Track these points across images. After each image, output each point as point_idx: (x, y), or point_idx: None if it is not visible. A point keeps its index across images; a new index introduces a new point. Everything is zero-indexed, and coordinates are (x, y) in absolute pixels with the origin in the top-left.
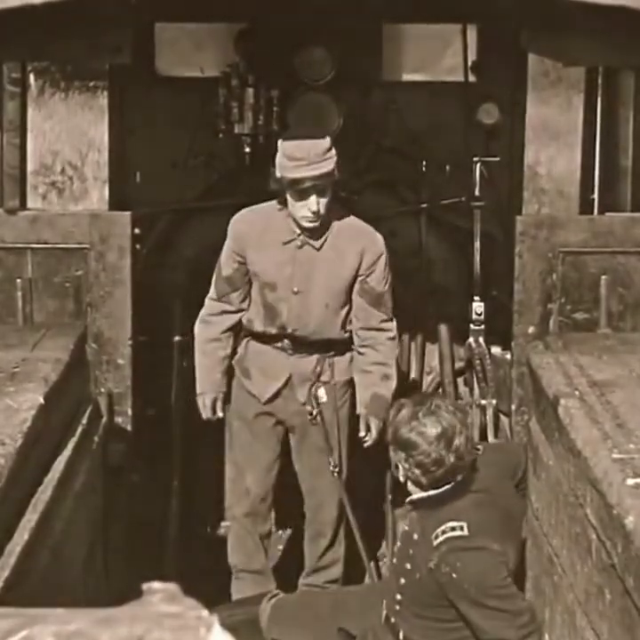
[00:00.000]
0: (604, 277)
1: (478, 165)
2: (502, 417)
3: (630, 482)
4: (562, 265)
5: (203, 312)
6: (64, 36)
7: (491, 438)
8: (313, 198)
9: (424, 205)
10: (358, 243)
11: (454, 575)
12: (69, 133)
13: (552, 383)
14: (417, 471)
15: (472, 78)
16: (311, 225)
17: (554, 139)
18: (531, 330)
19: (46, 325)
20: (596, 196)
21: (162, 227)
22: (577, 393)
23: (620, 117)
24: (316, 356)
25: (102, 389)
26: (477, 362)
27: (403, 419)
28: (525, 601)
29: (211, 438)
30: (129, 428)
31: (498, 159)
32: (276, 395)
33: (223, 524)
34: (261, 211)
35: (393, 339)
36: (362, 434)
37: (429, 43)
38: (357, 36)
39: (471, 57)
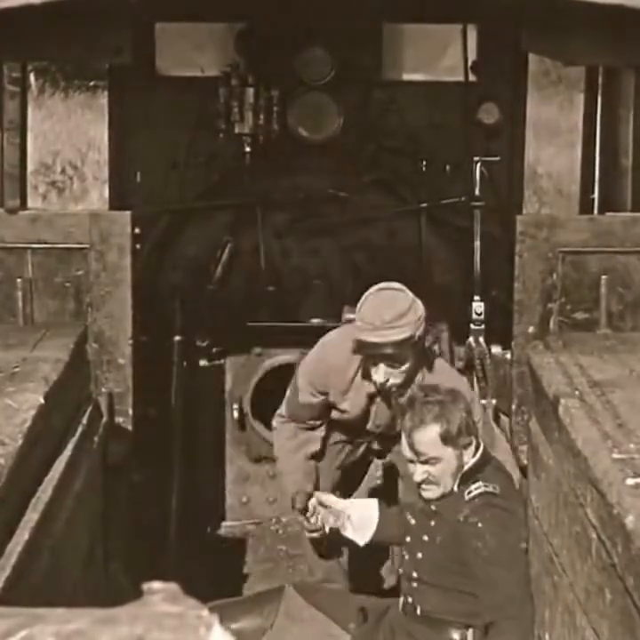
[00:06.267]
0: (604, 277)
1: (478, 165)
2: (502, 417)
3: (630, 481)
4: (562, 265)
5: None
6: (64, 35)
7: None
8: (381, 367)
9: (424, 205)
10: None
11: (480, 524)
12: (69, 133)
13: (552, 383)
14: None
15: (472, 78)
16: (385, 392)
17: (554, 138)
18: (531, 329)
19: (46, 325)
20: (596, 195)
21: (162, 226)
22: (577, 393)
23: (620, 117)
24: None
25: (103, 389)
26: (477, 361)
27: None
28: (529, 585)
29: (211, 438)
30: (129, 427)
31: (498, 159)
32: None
33: (224, 523)
34: (347, 348)
35: None
36: None
37: (429, 42)
38: (357, 36)
39: (471, 57)
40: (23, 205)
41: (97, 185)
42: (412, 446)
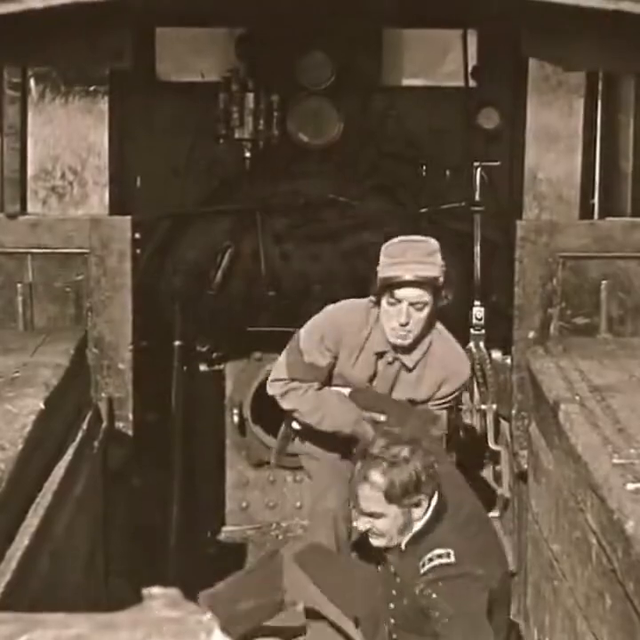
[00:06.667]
0: (604, 282)
1: (478, 170)
2: (502, 422)
3: (630, 487)
4: (562, 270)
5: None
6: (64, 40)
7: (491, 443)
8: (404, 307)
9: (424, 210)
10: (441, 373)
11: (434, 595)
12: (69, 138)
13: (552, 388)
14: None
15: (472, 83)
16: (398, 341)
17: (554, 143)
18: (531, 335)
19: (47, 330)
20: (596, 200)
21: (162, 231)
22: (577, 398)
23: (620, 122)
24: None
25: (103, 394)
26: (478, 367)
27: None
28: None
29: (211, 443)
30: (129, 432)
31: (498, 164)
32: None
33: (224, 528)
34: (360, 310)
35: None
36: None
37: (429, 48)
38: (357, 41)
39: (471, 62)
40: (23, 210)
41: (97, 190)
42: (355, 498)
